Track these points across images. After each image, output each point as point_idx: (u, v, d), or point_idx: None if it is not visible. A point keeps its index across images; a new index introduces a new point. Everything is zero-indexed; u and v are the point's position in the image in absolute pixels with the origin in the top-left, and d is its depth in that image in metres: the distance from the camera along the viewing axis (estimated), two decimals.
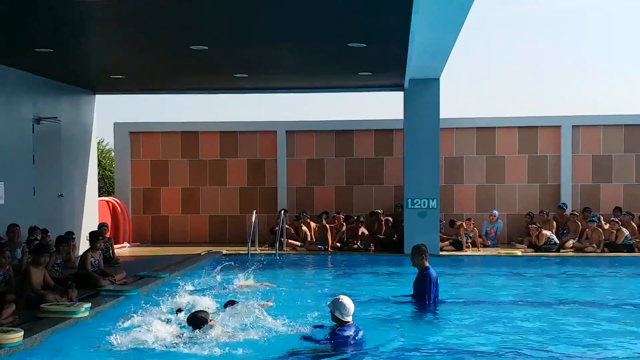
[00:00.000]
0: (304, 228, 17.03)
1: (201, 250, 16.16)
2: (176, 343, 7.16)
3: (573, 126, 17.82)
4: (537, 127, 18.07)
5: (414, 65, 13.81)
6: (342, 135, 18.62)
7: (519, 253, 15.84)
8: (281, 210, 17.11)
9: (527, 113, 18.89)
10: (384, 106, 35.79)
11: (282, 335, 7.55)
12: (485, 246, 16.78)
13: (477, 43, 39.12)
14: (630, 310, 9.69)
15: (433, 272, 9.30)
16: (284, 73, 14.58)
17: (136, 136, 19.04)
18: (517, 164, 18.07)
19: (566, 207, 17.28)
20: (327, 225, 16.69)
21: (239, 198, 18.83)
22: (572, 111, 21.85)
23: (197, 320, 7.39)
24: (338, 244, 16.65)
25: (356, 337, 7.22)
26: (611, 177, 17.77)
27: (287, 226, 16.94)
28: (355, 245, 16.47)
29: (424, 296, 9.25)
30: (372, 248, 16.41)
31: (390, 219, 16.88)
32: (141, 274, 11.95)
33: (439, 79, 15.76)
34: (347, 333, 7.16)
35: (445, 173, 17.89)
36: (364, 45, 11.28)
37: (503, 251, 16.09)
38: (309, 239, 16.86)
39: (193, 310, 7.82)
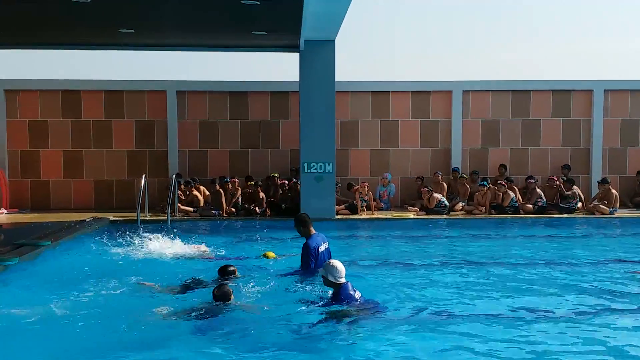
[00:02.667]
0: (195, 193, 16.48)
1: (86, 216, 15.27)
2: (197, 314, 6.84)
3: (464, 91, 18.20)
4: (430, 91, 18.31)
5: (309, 26, 13.54)
6: (236, 96, 18.08)
7: (411, 216, 16.14)
8: (173, 175, 16.45)
9: (420, 77, 18.92)
10: (279, 67, 35.23)
11: (290, 303, 7.36)
12: (379, 209, 16.96)
13: (372, 5, 39.26)
14: (520, 266, 10.12)
15: (314, 241, 8.88)
16: (173, 29, 13.86)
17: (12, 94, 17.63)
18: (410, 129, 18.28)
19: (458, 169, 17.71)
20: (221, 190, 16.24)
21: (126, 161, 17.95)
22: (462, 76, 22.30)
23: (225, 295, 7.09)
24: (233, 209, 16.27)
25: (356, 294, 7.26)
26: (499, 141, 18.38)
27: (179, 192, 16.33)
28: (253, 210, 16.12)
29: (303, 265, 8.94)
30: (268, 213, 16.17)
31: (286, 182, 16.66)
32: (20, 242, 11.07)
33: (334, 40, 15.59)
34: (348, 291, 7.21)
35: (340, 137, 17.84)
36: (258, 2, 10.84)
37: (396, 214, 16.32)
38: (201, 204, 16.35)
39: (219, 284, 7.48)
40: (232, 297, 7.11)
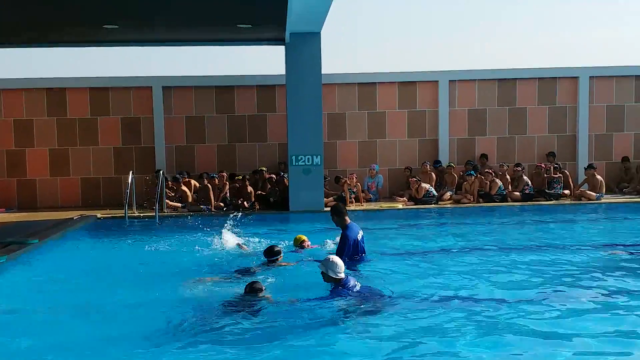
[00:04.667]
0: (184, 188, 16.42)
1: (73, 214, 15.19)
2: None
3: (450, 81, 18.23)
4: (416, 82, 18.32)
5: (295, 18, 13.50)
6: (223, 91, 18.02)
7: (400, 206, 16.17)
8: (158, 171, 16.38)
9: (406, 68, 18.90)
10: (265, 61, 35.14)
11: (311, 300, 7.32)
12: (367, 200, 16.98)
13: None
14: (505, 252, 10.20)
15: (351, 232, 9.05)
16: (158, 24, 13.78)
17: None
18: (397, 120, 18.30)
19: (441, 164, 17.75)
20: (209, 185, 16.19)
21: (113, 158, 17.87)
22: (450, 66, 22.34)
23: (255, 292, 7.14)
24: (221, 204, 16.23)
25: (356, 287, 7.34)
26: (486, 130, 18.43)
27: (166, 188, 16.25)
28: (241, 204, 16.07)
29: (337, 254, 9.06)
30: (257, 207, 16.14)
31: (274, 176, 16.64)
32: (7, 241, 11.03)
33: (320, 33, 15.55)
34: (351, 284, 7.30)
35: (328, 129, 17.83)
36: None
37: (385, 205, 16.35)
38: (189, 199, 16.29)
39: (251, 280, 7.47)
40: (263, 293, 7.13)
